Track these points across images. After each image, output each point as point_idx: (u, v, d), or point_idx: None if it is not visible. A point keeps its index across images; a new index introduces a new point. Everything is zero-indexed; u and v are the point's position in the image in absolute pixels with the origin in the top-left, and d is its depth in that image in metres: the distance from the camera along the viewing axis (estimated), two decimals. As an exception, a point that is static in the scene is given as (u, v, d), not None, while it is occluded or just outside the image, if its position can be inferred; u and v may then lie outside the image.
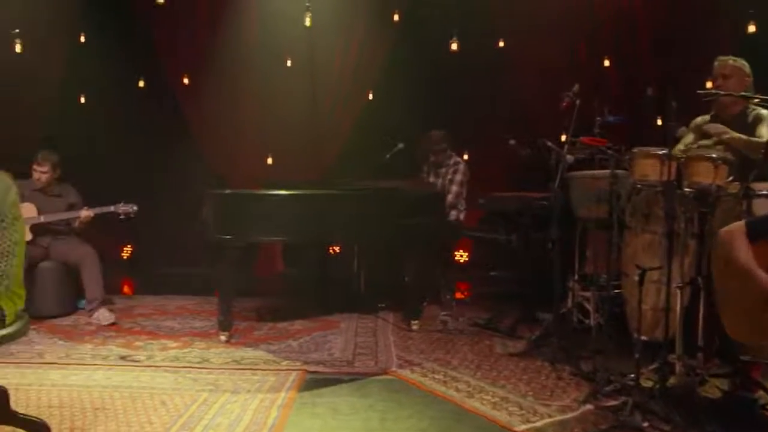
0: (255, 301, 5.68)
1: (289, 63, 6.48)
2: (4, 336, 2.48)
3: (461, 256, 6.79)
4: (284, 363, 3.93)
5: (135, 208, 5.12)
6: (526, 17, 6.06)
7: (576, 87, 4.05)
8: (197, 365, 3.87)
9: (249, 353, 4.15)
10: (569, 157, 3.95)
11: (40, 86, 6.55)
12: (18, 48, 5.77)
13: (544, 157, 4.15)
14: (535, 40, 6.08)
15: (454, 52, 5.99)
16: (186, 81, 6.70)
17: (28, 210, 5.07)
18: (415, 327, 4.76)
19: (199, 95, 6.74)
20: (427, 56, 6.40)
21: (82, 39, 6.56)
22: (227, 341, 4.39)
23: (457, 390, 3.45)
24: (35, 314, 4.98)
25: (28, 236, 5.03)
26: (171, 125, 6.97)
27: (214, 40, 6.57)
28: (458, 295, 5.66)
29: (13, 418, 2.68)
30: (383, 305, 5.39)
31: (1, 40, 5.86)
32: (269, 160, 6.78)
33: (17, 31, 5.72)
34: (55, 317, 5.07)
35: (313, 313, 5.24)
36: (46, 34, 6.27)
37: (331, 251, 6.63)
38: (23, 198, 5.00)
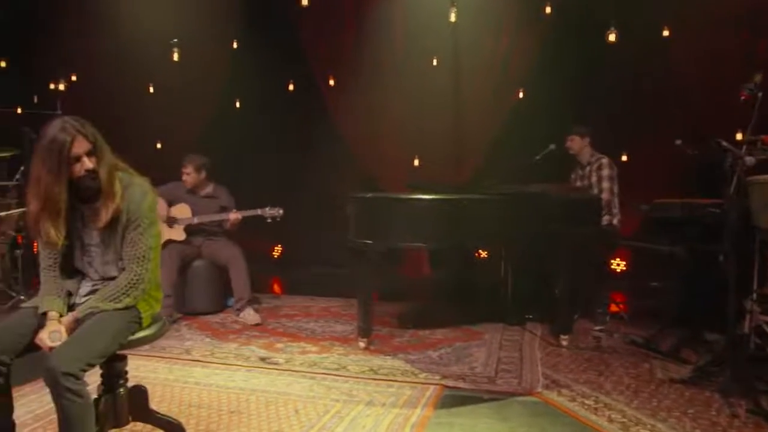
0: (398, 306, 5.60)
1: (434, 62, 6.33)
2: (140, 338, 2.52)
3: (618, 265, 6.28)
4: (422, 375, 3.76)
5: (281, 212, 5.24)
6: (695, 1, 5.45)
7: (758, 77, 3.51)
8: (334, 372, 3.81)
9: (387, 362, 4.03)
10: (749, 159, 3.43)
11: (198, 93, 6.94)
12: (176, 56, 6.08)
13: (718, 158, 3.64)
14: (706, 26, 5.45)
15: (612, 43, 5.49)
16: (332, 82, 6.77)
17: (183, 211, 5.34)
18: (564, 343, 4.41)
19: (346, 96, 6.80)
20: (582, 50, 5.95)
21: (235, 45, 6.82)
22: (366, 348, 4.31)
23: (610, 420, 3.09)
24: (188, 310, 5.26)
25: (182, 236, 5.30)
26: (320, 127, 7.08)
27: (360, 40, 6.59)
28: (613, 309, 5.19)
29: (152, 417, 2.73)
30: (531, 317, 5.08)
31: (161, 49, 6.23)
32: (416, 162, 6.68)
33: (175, 40, 6.03)
34: (206, 314, 5.30)
35: (456, 321, 5.05)
36: (202, 43, 6.62)
37: (478, 255, 6.40)
38: (178, 199, 5.30)
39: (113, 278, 2.49)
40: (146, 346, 3.35)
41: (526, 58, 6.21)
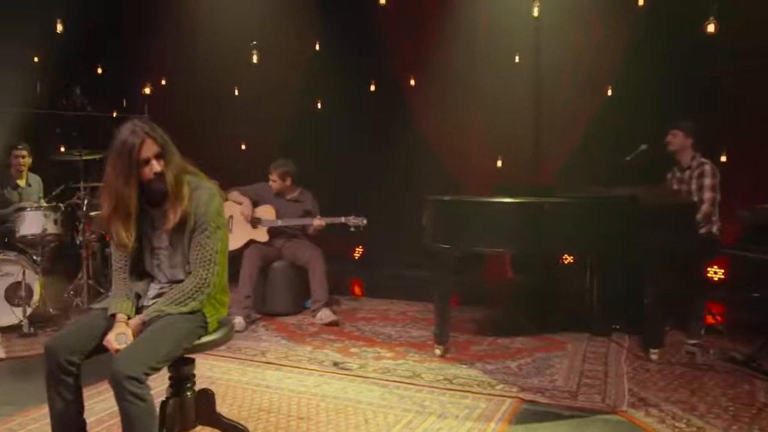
0: (478, 311, 5.47)
1: (517, 59, 6.13)
2: (205, 343, 2.49)
3: (715, 273, 5.85)
4: (499, 387, 3.60)
5: (365, 221, 5.27)
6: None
7: None
8: (407, 380, 3.71)
9: (463, 371, 3.89)
10: None
11: (281, 94, 7.02)
12: (254, 59, 6.14)
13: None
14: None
15: (711, 35, 5.06)
16: (412, 82, 6.69)
17: (268, 212, 5.40)
18: (654, 357, 4.11)
19: (427, 95, 6.72)
20: (677, 42, 5.56)
21: (317, 47, 6.84)
22: (441, 355, 4.18)
23: (704, 445, 2.84)
24: (267, 311, 5.30)
25: (265, 237, 5.34)
26: (401, 127, 7.01)
27: (441, 39, 6.49)
28: (709, 321, 4.80)
29: (218, 421, 2.71)
30: (618, 327, 4.78)
31: (245, 52, 6.29)
32: (498, 163, 6.49)
33: (254, 42, 6.08)
34: (284, 315, 5.33)
35: (537, 330, 4.83)
36: (284, 45, 6.68)
37: (562, 261, 6.14)
38: (264, 200, 5.36)
39: (180, 281, 2.48)
40: (222, 347, 3.37)
41: (615, 53, 5.88)
